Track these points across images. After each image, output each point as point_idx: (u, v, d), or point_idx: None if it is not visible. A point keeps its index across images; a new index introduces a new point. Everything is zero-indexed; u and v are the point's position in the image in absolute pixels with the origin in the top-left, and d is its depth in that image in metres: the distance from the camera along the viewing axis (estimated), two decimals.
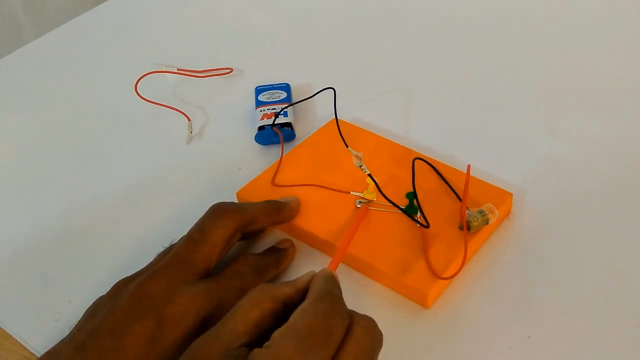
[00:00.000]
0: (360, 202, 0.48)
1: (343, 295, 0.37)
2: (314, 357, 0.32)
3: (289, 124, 0.58)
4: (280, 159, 0.53)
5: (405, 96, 0.62)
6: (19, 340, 0.45)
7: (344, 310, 0.35)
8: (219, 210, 0.44)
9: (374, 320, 0.36)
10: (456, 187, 0.49)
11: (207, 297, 0.39)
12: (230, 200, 0.46)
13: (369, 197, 0.48)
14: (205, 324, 0.39)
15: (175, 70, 0.67)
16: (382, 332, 0.36)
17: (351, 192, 0.49)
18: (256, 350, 0.32)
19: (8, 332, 0.45)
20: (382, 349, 0.36)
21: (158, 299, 0.38)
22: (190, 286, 0.39)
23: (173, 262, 0.41)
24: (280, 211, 0.48)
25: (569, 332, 0.41)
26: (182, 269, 0.40)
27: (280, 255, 0.47)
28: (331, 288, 0.36)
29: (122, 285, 0.41)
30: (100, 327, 0.37)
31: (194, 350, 0.34)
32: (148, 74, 0.65)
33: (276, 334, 0.33)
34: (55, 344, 0.38)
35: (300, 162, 0.53)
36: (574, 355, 0.40)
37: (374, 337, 0.35)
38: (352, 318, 0.35)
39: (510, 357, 0.40)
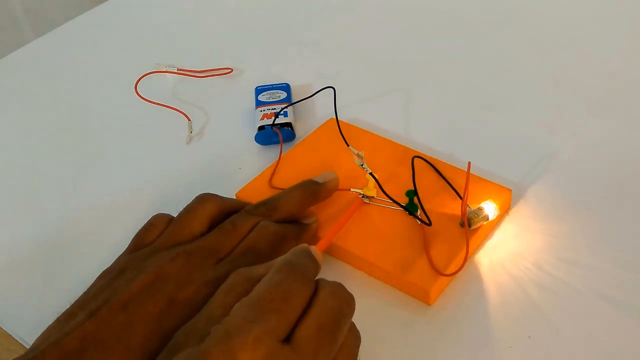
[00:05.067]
0: (364, 198, 0.48)
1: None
2: (266, 323, 0.32)
3: (289, 124, 0.58)
4: (279, 160, 0.53)
5: (403, 96, 0.62)
6: (19, 340, 0.45)
7: (304, 277, 0.35)
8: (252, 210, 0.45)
9: (341, 284, 0.36)
10: (455, 184, 0.49)
11: (217, 284, 0.39)
12: None
13: (369, 193, 0.48)
14: None
15: (175, 70, 0.67)
16: (385, 329, 0.35)
17: (351, 189, 0.49)
18: (213, 327, 0.33)
19: (8, 332, 0.45)
20: (385, 346, 0.35)
21: (172, 281, 0.39)
22: (204, 273, 0.40)
23: (197, 248, 0.41)
24: (317, 197, 0.47)
25: (569, 331, 0.41)
26: (203, 256, 0.41)
27: (302, 227, 0.46)
28: (293, 258, 0.36)
29: (140, 260, 0.41)
30: (115, 299, 0.38)
31: (174, 341, 0.35)
32: (148, 74, 0.65)
33: (233, 308, 0.34)
34: (70, 306, 0.39)
35: (299, 162, 0.53)
36: (573, 355, 0.40)
37: (341, 299, 0.35)
38: (318, 284, 0.35)
39: (510, 357, 0.40)
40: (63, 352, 0.35)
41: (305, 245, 0.38)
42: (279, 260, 0.37)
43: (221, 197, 0.46)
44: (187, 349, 0.32)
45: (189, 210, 0.44)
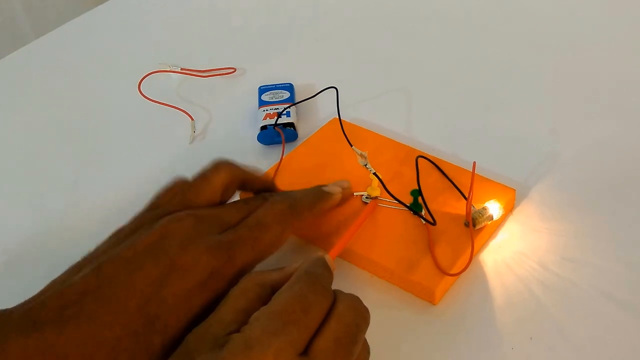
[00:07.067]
0: (367, 198, 0.48)
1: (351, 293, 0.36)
2: (286, 335, 0.32)
3: (291, 124, 0.58)
4: (281, 160, 0.53)
5: (407, 96, 0.62)
6: None
7: (324, 289, 0.35)
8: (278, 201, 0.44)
9: (358, 297, 0.36)
10: (459, 184, 0.49)
11: (218, 253, 0.39)
12: None
13: (373, 193, 0.48)
14: (213, 279, 0.38)
15: (179, 70, 0.67)
16: (390, 329, 0.36)
17: (355, 194, 0.49)
18: (232, 336, 0.33)
19: None
20: (390, 345, 0.35)
21: (177, 243, 0.38)
22: (207, 240, 0.39)
23: (207, 214, 0.41)
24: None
25: (575, 331, 0.41)
26: (210, 223, 0.40)
27: (321, 195, 0.45)
28: (312, 269, 0.36)
29: (151, 221, 0.41)
30: (120, 255, 0.37)
31: (186, 343, 0.34)
32: (151, 73, 0.65)
33: (252, 317, 0.33)
34: (81, 259, 0.39)
35: (301, 162, 0.53)
36: (578, 356, 0.40)
37: (358, 313, 0.35)
38: (336, 296, 0.35)
39: (512, 357, 0.40)
40: (61, 304, 0.35)
41: (321, 255, 0.39)
42: (297, 269, 0.37)
43: (236, 166, 0.45)
44: (203, 356, 0.32)
45: (204, 177, 0.43)
